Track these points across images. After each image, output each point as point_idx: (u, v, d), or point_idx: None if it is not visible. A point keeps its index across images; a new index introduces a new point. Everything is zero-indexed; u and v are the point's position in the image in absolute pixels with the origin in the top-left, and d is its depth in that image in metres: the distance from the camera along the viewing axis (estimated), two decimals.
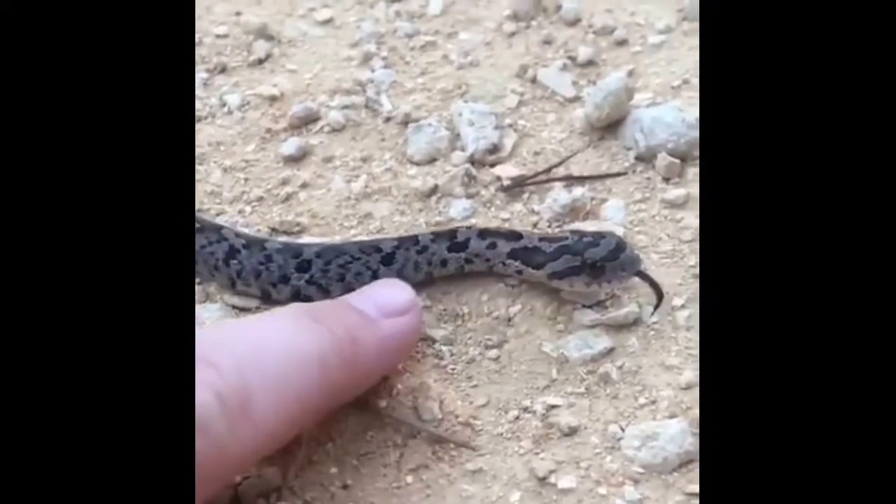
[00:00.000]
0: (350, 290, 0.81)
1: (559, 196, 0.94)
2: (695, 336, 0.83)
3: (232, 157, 1.02)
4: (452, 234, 0.88)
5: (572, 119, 1.03)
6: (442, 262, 0.88)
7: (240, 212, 0.97)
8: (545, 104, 1.05)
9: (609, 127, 1.01)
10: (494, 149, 0.99)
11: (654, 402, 0.79)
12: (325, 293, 0.87)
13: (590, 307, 0.85)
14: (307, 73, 1.11)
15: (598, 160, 0.99)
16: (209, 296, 0.90)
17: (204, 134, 1.04)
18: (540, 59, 1.10)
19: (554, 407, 0.80)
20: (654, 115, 0.98)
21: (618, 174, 0.97)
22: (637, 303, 0.85)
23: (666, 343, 0.83)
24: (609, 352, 0.83)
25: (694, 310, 0.85)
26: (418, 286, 0.85)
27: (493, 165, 0.99)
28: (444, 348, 0.85)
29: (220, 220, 0.95)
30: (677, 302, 0.86)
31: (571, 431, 0.78)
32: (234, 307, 0.90)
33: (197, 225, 0.89)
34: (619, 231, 0.90)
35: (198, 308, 0.88)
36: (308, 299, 0.87)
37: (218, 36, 1.17)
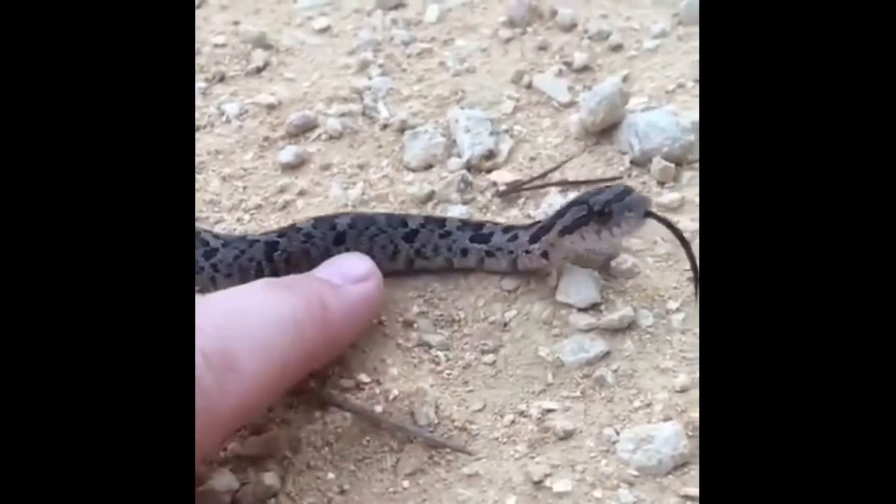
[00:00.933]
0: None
1: (555, 201, 0.94)
2: (689, 339, 0.83)
3: (230, 165, 1.03)
4: (479, 225, 0.89)
5: (568, 124, 1.04)
6: (463, 251, 0.89)
7: (238, 220, 0.97)
8: (541, 109, 1.06)
9: (604, 132, 1.01)
10: (490, 154, 1.00)
11: (648, 406, 0.79)
12: None
13: (585, 310, 0.85)
14: (305, 81, 1.12)
15: (594, 165, 1.00)
16: None
17: (203, 143, 1.05)
18: (535, 64, 1.11)
19: (549, 411, 0.80)
20: (648, 119, 0.98)
21: (613, 179, 0.97)
22: (632, 306, 0.85)
23: (661, 346, 0.83)
24: (604, 355, 0.83)
25: (688, 313, 0.85)
26: (430, 274, 0.88)
27: (489, 171, 0.99)
28: (440, 353, 0.85)
29: (218, 229, 0.96)
30: (672, 305, 0.86)
31: (567, 435, 0.78)
32: None
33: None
34: None
35: None
36: None
37: (216, 45, 1.18)
